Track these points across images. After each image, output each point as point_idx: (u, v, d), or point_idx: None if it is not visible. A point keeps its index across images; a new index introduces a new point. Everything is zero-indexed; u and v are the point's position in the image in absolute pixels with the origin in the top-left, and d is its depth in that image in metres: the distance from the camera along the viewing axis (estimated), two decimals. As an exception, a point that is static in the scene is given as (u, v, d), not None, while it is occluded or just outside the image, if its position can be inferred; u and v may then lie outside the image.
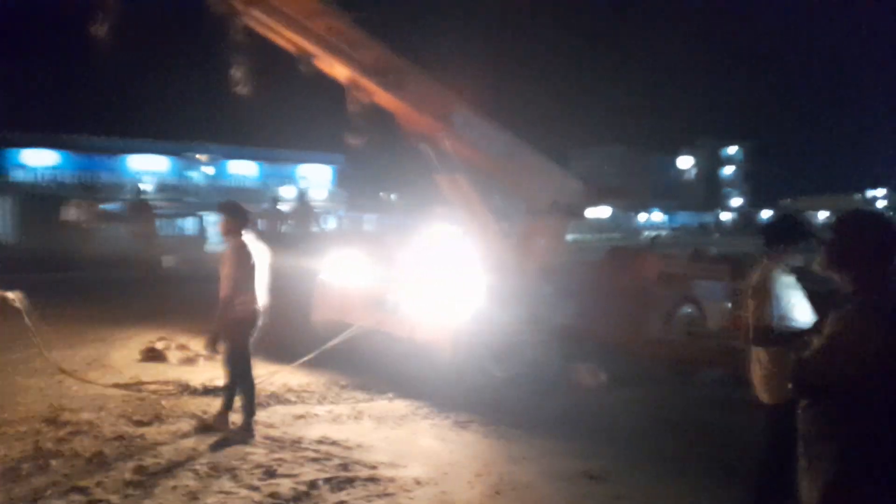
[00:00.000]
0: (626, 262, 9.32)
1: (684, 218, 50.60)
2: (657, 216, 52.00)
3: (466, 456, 4.65)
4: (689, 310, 9.10)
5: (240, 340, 4.78)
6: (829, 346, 2.21)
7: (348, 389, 6.30)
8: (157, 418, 5.07)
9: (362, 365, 6.82)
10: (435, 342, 6.55)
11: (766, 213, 59.60)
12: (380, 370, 6.64)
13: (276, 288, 9.47)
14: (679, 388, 6.93)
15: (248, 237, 4.83)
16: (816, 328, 2.36)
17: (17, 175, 31.56)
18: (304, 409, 5.54)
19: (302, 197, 12.67)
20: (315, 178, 40.02)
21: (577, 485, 4.21)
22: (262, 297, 4.88)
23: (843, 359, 2.17)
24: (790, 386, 2.35)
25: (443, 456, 4.60)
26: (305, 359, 6.97)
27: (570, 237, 16.17)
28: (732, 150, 60.09)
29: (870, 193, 65.85)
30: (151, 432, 4.79)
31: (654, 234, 17.63)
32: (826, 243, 2.39)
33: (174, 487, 3.94)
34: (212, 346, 4.69)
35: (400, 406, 5.76)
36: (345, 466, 4.27)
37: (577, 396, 6.32)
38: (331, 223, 31.04)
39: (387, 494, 3.91)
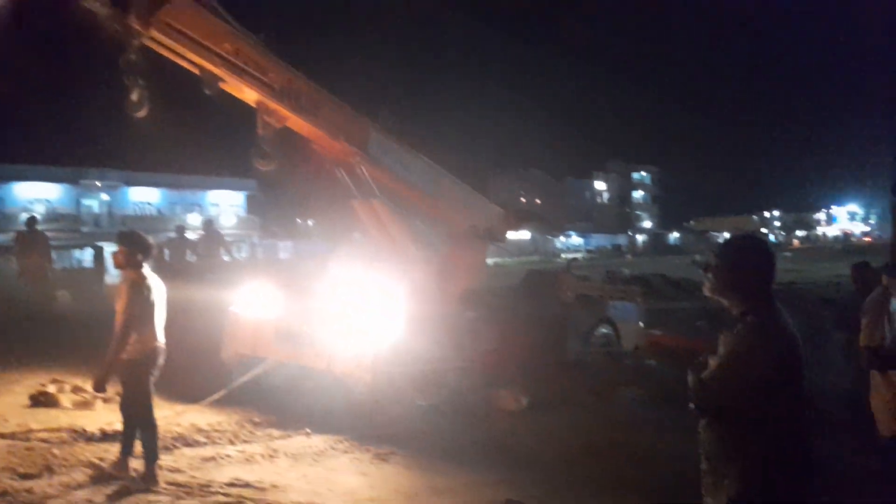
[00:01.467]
0: (544, 284, 9.47)
1: (599, 240, 52.44)
2: (574, 239, 53.66)
3: (388, 490, 4.48)
4: (606, 330, 9.33)
5: (138, 381, 4.43)
6: (724, 366, 2.26)
7: (262, 427, 5.98)
8: (48, 469, 4.60)
9: (277, 400, 6.51)
10: (353, 373, 6.35)
11: (674, 235, 62.83)
12: (296, 405, 6.36)
13: (183, 322, 9.05)
14: (598, 410, 7.02)
15: (147, 270, 4.51)
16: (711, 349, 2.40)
17: None
18: (213, 450, 5.19)
19: (209, 224, 12.10)
20: (225, 205, 38.81)
21: (501, 513, 4.13)
22: (160, 334, 4.56)
23: (738, 379, 2.22)
24: (690, 406, 2.38)
25: (363, 492, 4.41)
26: (215, 396, 6.60)
27: (490, 261, 16.37)
28: (643, 173, 63.20)
29: (766, 214, 70.66)
30: (41, 485, 4.34)
31: (571, 256, 18.12)
32: (712, 268, 2.44)
33: (64, 547, 3.56)
34: (100, 386, 4.31)
35: (318, 442, 5.52)
36: (255, 512, 4.02)
37: (499, 423, 6.28)
38: (244, 251, 30.11)
39: (303, 538, 3.69)
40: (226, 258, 11.62)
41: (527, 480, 4.66)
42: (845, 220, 74.67)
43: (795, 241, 61.30)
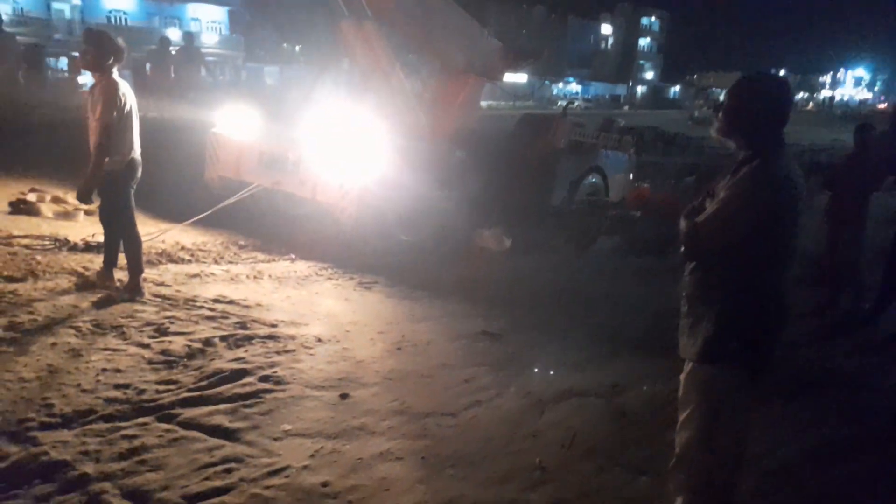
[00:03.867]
0: (538, 129, 9.24)
1: (598, 89, 50.77)
2: (572, 86, 51.86)
3: (369, 315, 4.63)
4: (594, 179, 9.28)
5: (118, 194, 4.35)
6: (720, 209, 2.21)
7: (247, 250, 6.06)
8: (32, 274, 4.65)
9: (262, 226, 6.54)
10: (339, 204, 6.32)
11: (675, 89, 61.07)
12: (281, 232, 6.39)
13: (166, 141, 8.83)
14: (576, 256, 7.17)
15: (118, 76, 4.24)
16: (709, 193, 2.34)
17: None
18: (198, 268, 5.27)
19: (189, 40, 11.33)
20: (207, 21, 36.48)
21: (475, 341, 4.32)
22: (137, 145, 4.40)
23: (733, 222, 2.18)
24: (681, 250, 2.37)
25: (345, 315, 4.56)
26: (200, 216, 6.60)
27: (483, 103, 15.85)
28: (652, 19, 59.86)
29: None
30: (25, 288, 4.41)
31: (566, 103, 17.57)
32: (722, 109, 2.33)
33: (53, 344, 3.68)
34: (85, 197, 4.21)
35: (302, 267, 5.61)
36: (242, 325, 4.14)
37: (480, 263, 6.40)
38: (226, 74, 28.83)
39: (286, 351, 3.84)
40: (206, 78, 11.07)
41: (499, 316, 4.83)
42: (851, 85, 72.78)
43: (811, 105, 59.24)
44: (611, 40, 58.49)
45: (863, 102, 63.55)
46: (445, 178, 7.36)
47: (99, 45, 4.18)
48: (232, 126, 7.28)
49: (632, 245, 8.00)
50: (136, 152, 4.40)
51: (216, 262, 5.51)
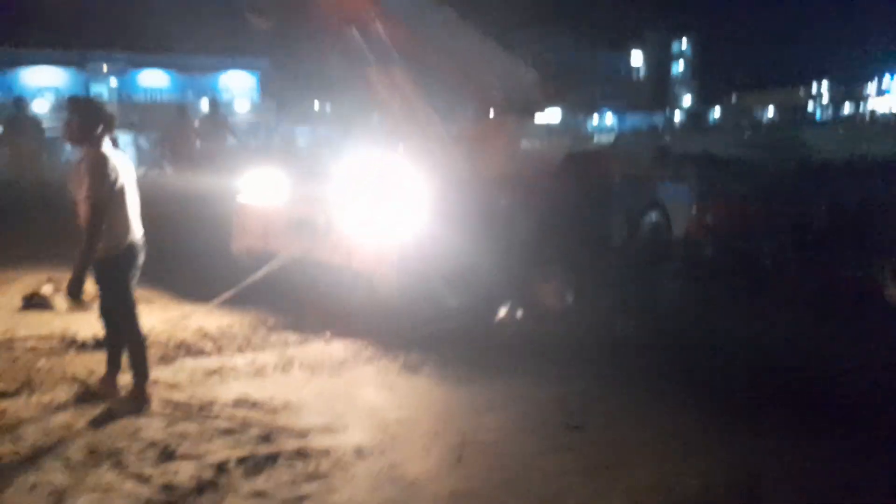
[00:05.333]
0: (587, 165, 8.44)
1: (634, 120, 49.80)
2: (608, 118, 51.02)
3: (419, 409, 3.81)
4: (655, 216, 8.41)
5: (115, 284, 3.70)
6: None
7: (277, 330, 5.34)
8: (28, 385, 4.00)
9: (293, 300, 5.83)
10: (376, 268, 5.60)
11: (715, 112, 59.65)
12: (314, 306, 5.67)
13: (190, 215, 8.32)
14: (641, 292, 6.28)
15: (109, 148, 3.63)
16: None
17: None
18: (219, 361, 4.55)
19: (213, 106, 11.03)
20: (238, 88, 37.23)
21: (555, 438, 3.44)
22: (137, 226, 3.76)
23: None
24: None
25: (390, 412, 3.74)
26: (226, 295, 5.96)
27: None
28: (682, 45, 58.88)
29: (815, 85, 66.26)
30: (17, 406, 3.75)
31: (613, 136, 16.79)
32: None
33: (34, 487, 2.97)
34: (76, 291, 3.55)
35: (338, 349, 4.85)
36: (266, 438, 3.37)
37: (541, 322, 5.55)
38: (259, 138, 29.03)
39: (319, 476, 3.03)
40: (232, 144, 10.67)
41: (577, 388, 3.97)
42: (897, 92, 69.93)
43: (875, 116, 55.93)
44: (643, 69, 57.75)
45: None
46: (492, 227, 6.60)
47: (85, 113, 3.59)
48: (258, 192, 6.72)
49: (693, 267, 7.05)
50: (136, 235, 3.76)
51: (240, 350, 4.79)
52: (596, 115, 49.70)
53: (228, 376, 4.25)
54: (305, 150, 24.15)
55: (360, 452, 3.22)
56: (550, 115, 34.55)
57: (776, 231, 7.99)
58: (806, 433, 3.44)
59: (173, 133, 10.58)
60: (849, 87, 67.84)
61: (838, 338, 4.98)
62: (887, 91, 71.32)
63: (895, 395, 3.96)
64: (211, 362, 4.50)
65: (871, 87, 71.74)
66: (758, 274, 6.97)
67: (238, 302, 5.87)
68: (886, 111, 58.46)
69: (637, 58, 57.90)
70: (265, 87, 38.50)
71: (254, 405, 3.75)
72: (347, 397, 3.93)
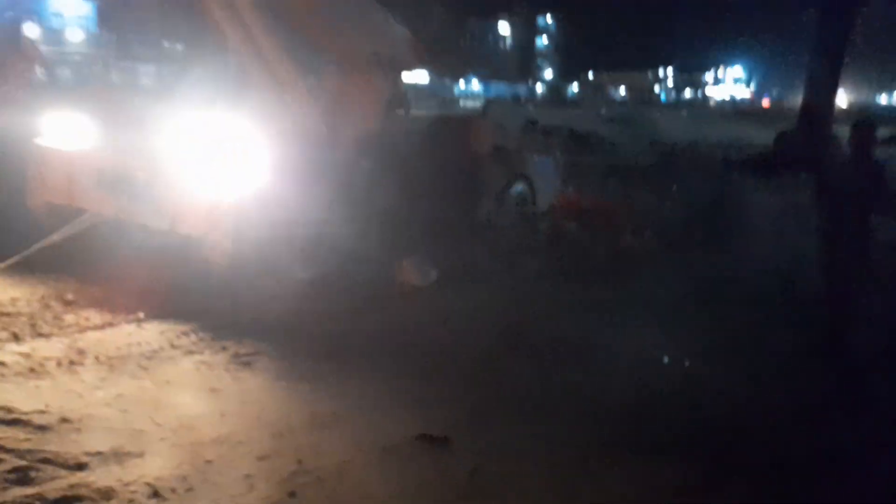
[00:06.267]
0: (457, 133, 7.90)
1: (499, 88, 50.37)
2: (475, 85, 51.14)
3: (247, 421, 3.05)
4: (521, 188, 8.09)
5: None
6: None
7: (77, 308, 4.30)
8: None
9: (102, 270, 4.78)
10: (207, 237, 4.70)
11: (573, 88, 62.04)
12: (127, 278, 4.67)
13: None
14: (511, 284, 5.85)
15: None
16: None
17: None
18: (-14, 352, 3.50)
19: (13, 30, 9.06)
20: (70, 16, 32.79)
21: (413, 455, 2.87)
22: None
23: None
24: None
25: (208, 426, 2.96)
26: (13, 260, 4.81)
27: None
28: (547, 19, 60.32)
29: (661, 71, 71.09)
30: None
31: (484, 102, 16.43)
32: None
33: None
34: None
35: (152, 334, 3.94)
36: (24, 473, 2.47)
37: (400, 305, 4.97)
38: (95, 74, 25.75)
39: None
40: (42, 77, 8.92)
41: (438, 391, 3.43)
42: (731, 83, 76.81)
43: (711, 103, 60.81)
44: (509, 40, 58.52)
45: (743, 101, 66.98)
46: (350, 194, 5.88)
47: None
48: (63, 136, 5.47)
49: (569, 266, 6.74)
50: None
51: (17, 337, 3.72)
52: (462, 81, 49.71)
53: (-9, 376, 3.23)
54: (146, 91, 21.63)
55: (156, 493, 2.44)
56: (417, 77, 33.77)
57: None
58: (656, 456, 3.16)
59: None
60: (690, 75, 73.54)
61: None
62: (722, 81, 78.26)
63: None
64: (-30, 355, 3.43)
65: (709, 77, 78.36)
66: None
67: (30, 269, 4.77)
68: (720, 98, 64.25)
69: (504, 28, 58.57)
70: (105, 18, 34.12)
71: (14, 422, 2.80)
72: (153, 405, 3.09)
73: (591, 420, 3.29)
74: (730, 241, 7.26)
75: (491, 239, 6.94)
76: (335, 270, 5.34)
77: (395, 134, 7.58)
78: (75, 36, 30.80)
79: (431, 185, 6.72)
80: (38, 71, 8.88)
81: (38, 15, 31.44)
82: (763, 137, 18.31)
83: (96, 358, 3.52)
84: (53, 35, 30.11)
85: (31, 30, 27.58)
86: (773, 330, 4.73)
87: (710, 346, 4.32)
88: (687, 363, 4.06)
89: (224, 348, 3.78)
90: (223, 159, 4.82)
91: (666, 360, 4.12)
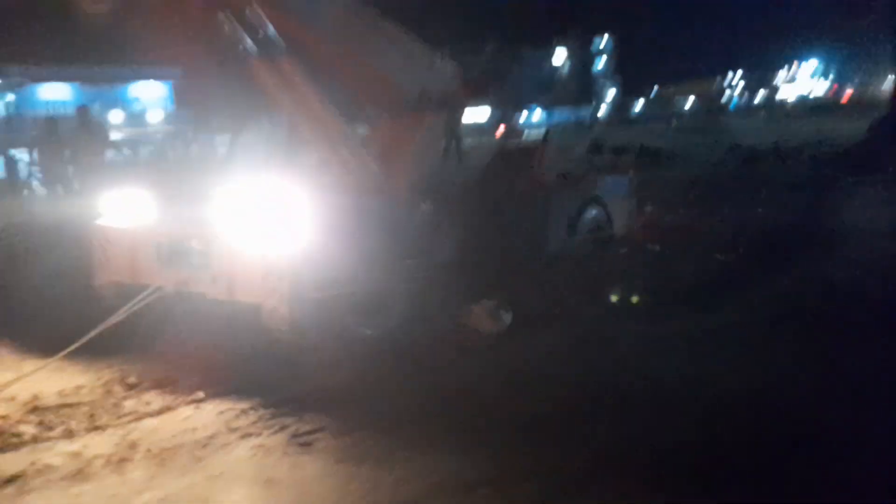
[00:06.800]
0: (518, 163, 7.52)
1: (561, 114, 49.81)
2: (537, 114, 50.79)
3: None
4: (595, 212, 7.56)
5: None
6: None
7: (137, 391, 4.13)
8: None
9: (164, 346, 4.64)
10: (265, 303, 4.48)
11: (638, 104, 60.60)
12: (189, 354, 4.49)
13: (48, 244, 6.91)
14: (596, 319, 5.32)
15: None
16: None
17: None
18: (31, 454, 3.29)
19: (83, 115, 9.46)
20: (149, 98, 34.94)
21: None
22: None
23: None
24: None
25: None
26: (76, 345, 4.71)
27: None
28: (605, 37, 59.61)
29: (730, 74, 68.50)
30: None
31: (543, 129, 16.05)
32: None
33: None
34: None
35: (208, 418, 3.67)
36: None
37: (474, 358, 4.54)
38: (175, 149, 27.10)
39: None
40: (111, 157, 9.23)
41: (522, 471, 2.96)
42: (807, 77, 72.92)
43: (789, 104, 57.17)
44: (567, 64, 58.05)
45: (822, 96, 63.28)
46: (412, 241, 5.58)
47: None
48: (124, 214, 5.47)
49: (656, 295, 6.11)
50: None
51: (71, 433, 3.52)
52: (525, 112, 49.46)
53: (33, 485, 3.01)
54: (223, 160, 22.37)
55: None
56: (478, 114, 33.77)
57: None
58: None
59: (43, 148, 9.05)
60: (761, 76, 70.39)
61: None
62: (794, 79, 74.50)
63: None
64: (19, 459, 3.25)
65: (782, 75, 74.80)
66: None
67: (96, 352, 4.65)
68: (796, 96, 60.95)
69: (560, 55, 58.32)
70: (180, 96, 36.23)
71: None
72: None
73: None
74: (831, 248, 6.51)
75: (567, 272, 6.46)
76: (401, 327, 5.00)
77: (455, 173, 7.29)
78: (156, 116, 32.72)
79: (496, 222, 6.35)
80: (109, 151, 9.20)
81: (120, 101, 33.77)
82: (848, 131, 16.99)
83: (148, 451, 3.27)
84: (135, 118, 32.16)
85: (115, 116, 29.59)
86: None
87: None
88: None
89: (283, 427, 3.47)
90: (274, 221, 4.62)
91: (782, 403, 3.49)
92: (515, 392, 3.85)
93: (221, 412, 3.71)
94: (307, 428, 3.44)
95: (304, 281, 4.52)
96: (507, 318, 5.12)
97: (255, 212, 4.71)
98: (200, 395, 4.00)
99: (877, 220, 7.67)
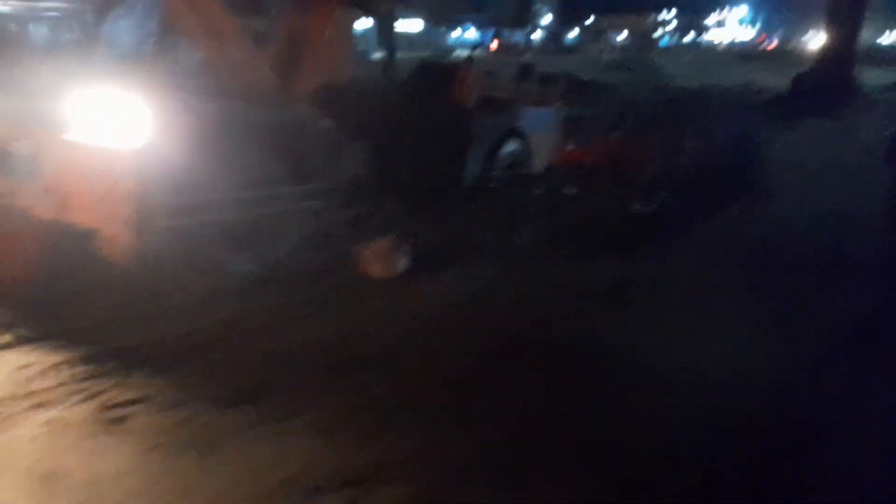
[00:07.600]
0: (440, 82, 6.70)
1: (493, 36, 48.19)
2: (471, 33, 48.89)
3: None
4: (515, 145, 6.94)
5: None
6: None
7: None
8: None
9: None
10: (105, 228, 3.62)
11: (572, 33, 59.56)
12: (2, 284, 3.59)
13: None
14: (507, 263, 4.76)
15: None
16: None
17: None
18: None
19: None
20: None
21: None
22: None
23: None
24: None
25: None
26: None
27: (370, 54, 13.05)
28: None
29: (665, 13, 68.47)
30: None
31: (471, 49, 15.03)
32: None
33: None
34: None
35: (4, 369, 2.88)
36: None
37: (362, 302, 3.89)
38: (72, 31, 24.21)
39: None
40: None
41: (409, 440, 2.41)
42: (735, 23, 73.87)
43: (719, 47, 58.29)
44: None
45: (749, 42, 64.37)
46: (305, 163, 4.77)
47: None
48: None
49: (575, 239, 5.60)
50: None
51: None
52: (459, 29, 47.55)
53: None
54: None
55: None
56: (410, 25, 31.94)
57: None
58: None
59: None
60: (693, 17, 70.75)
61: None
62: (723, 23, 75.57)
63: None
64: None
65: (712, 18, 75.61)
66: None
67: None
68: (723, 41, 61.94)
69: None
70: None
71: None
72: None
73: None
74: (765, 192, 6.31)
75: (478, 209, 5.85)
76: (285, 261, 4.28)
77: (366, 87, 6.40)
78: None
79: (407, 146, 5.61)
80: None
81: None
82: (774, 82, 17.03)
83: None
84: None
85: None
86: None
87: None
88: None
89: (96, 393, 2.70)
90: (127, 127, 3.70)
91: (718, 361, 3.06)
92: (405, 350, 3.24)
93: (23, 366, 2.90)
94: (125, 397, 2.69)
95: (156, 205, 3.67)
96: (404, 262, 4.47)
97: (104, 114, 3.76)
98: (7, 338, 3.17)
99: (797, 161, 7.66)
